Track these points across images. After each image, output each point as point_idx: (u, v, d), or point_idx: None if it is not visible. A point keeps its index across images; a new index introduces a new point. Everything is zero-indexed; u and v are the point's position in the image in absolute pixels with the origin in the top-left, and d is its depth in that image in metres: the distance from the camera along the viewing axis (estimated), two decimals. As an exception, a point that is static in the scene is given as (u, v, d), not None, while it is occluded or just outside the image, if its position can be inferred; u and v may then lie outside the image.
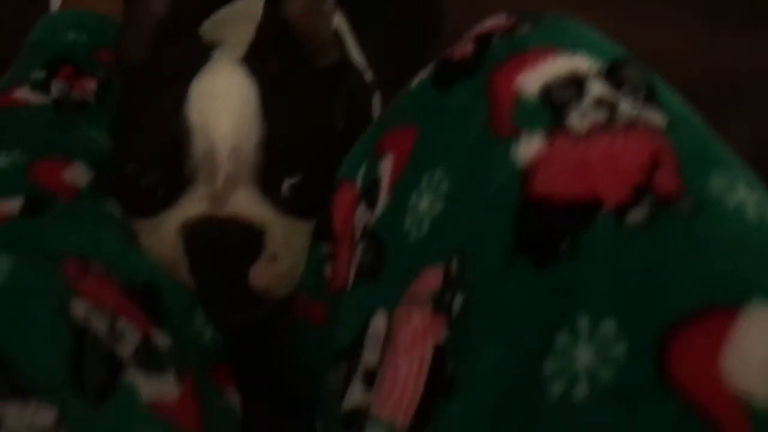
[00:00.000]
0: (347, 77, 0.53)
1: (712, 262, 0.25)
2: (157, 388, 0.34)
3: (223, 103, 0.42)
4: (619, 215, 0.26)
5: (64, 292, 0.33)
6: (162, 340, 0.36)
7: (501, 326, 0.27)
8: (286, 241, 0.43)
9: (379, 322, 0.33)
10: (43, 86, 0.50)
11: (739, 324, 0.23)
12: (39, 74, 0.51)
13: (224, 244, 0.42)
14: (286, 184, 0.43)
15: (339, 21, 0.61)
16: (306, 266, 0.43)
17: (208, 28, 0.54)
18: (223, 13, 0.61)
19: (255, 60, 0.45)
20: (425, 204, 0.33)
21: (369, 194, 0.37)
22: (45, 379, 0.30)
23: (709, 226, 0.26)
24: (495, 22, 0.36)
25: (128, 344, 0.34)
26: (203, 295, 0.42)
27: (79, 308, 0.33)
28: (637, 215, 0.26)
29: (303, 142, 0.44)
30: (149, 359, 0.34)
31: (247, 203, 0.42)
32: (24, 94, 0.50)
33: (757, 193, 0.27)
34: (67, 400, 0.30)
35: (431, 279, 0.30)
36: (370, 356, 0.33)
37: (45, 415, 0.29)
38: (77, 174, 0.44)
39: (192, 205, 0.42)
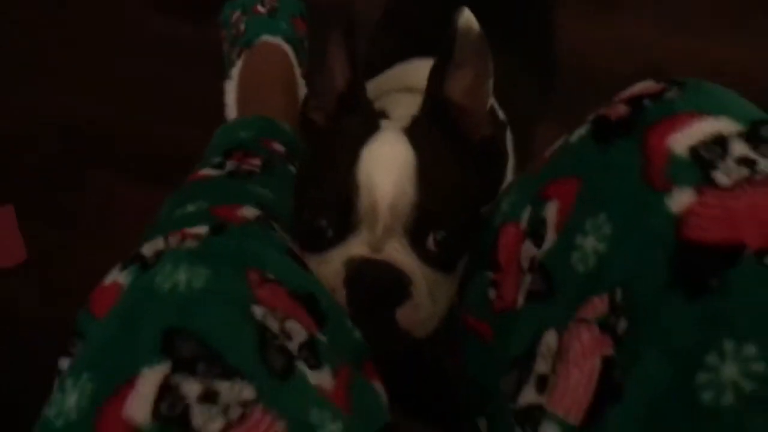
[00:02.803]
0: (499, 152, 0.59)
1: None
2: (317, 379, 0.41)
3: (386, 168, 0.50)
4: (760, 257, 0.31)
5: (248, 297, 0.41)
6: (322, 338, 0.44)
7: (661, 346, 0.32)
8: (428, 292, 0.50)
9: (550, 338, 0.39)
10: (220, 166, 0.63)
11: None
12: (217, 159, 0.65)
13: (378, 284, 0.49)
14: (431, 238, 0.50)
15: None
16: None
17: (370, 96, 0.62)
18: (380, 83, 0.70)
19: (416, 133, 0.53)
20: (590, 243, 0.38)
21: (535, 233, 0.44)
22: (244, 365, 0.38)
23: None
24: (644, 85, 0.42)
25: (295, 341, 0.41)
26: (355, 321, 0.49)
27: (258, 311, 0.41)
28: None
29: (449, 206, 0.51)
30: (309, 356, 0.42)
31: (399, 252, 0.50)
32: (206, 171, 0.62)
33: None
34: (261, 380, 0.38)
35: (598, 305, 0.36)
36: (542, 365, 0.39)
37: (248, 391, 0.37)
38: (247, 211, 0.53)
39: (355, 247, 0.50)
